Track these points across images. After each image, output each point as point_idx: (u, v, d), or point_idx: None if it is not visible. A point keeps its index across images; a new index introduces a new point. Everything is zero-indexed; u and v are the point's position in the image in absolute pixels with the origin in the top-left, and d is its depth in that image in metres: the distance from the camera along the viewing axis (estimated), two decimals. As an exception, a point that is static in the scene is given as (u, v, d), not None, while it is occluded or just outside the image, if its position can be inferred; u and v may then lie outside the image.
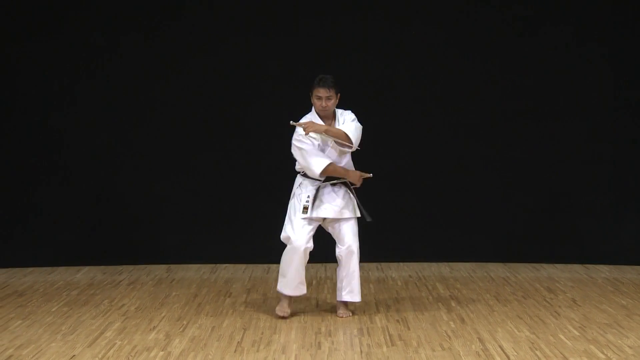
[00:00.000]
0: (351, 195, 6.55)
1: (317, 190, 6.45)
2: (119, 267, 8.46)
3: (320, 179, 6.42)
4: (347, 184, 6.54)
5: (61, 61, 8.53)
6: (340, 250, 6.54)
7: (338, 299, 6.60)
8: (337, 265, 6.61)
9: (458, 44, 8.58)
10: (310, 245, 6.43)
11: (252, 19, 8.56)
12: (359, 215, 6.57)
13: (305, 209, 6.40)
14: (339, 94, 6.50)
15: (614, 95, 8.58)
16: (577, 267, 8.43)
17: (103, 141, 8.61)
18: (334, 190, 6.51)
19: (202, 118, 8.63)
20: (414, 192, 8.68)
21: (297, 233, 6.39)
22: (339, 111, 6.58)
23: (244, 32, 8.57)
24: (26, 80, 8.54)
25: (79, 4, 8.51)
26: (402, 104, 8.66)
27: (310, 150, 6.38)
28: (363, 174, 6.51)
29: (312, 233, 6.45)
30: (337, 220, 6.52)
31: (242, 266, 8.47)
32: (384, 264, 8.57)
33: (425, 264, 8.57)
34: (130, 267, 8.49)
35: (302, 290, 6.53)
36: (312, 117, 6.49)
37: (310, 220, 6.42)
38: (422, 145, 8.67)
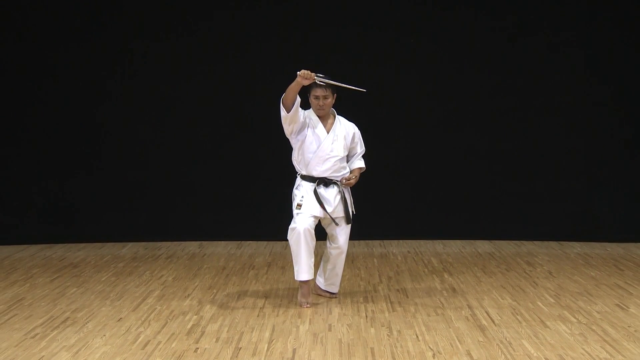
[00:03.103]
0: (345, 195, 5.95)
1: (315, 191, 5.86)
2: (158, 244, 8.49)
3: (314, 181, 5.86)
4: (338, 185, 5.93)
5: (104, 64, 8.52)
6: (331, 248, 6.02)
7: (318, 283, 6.17)
8: (324, 255, 6.13)
9: (452, 50, 8.55)
10: (312, 228, 5.77)
11: (270, 26, 8.56)
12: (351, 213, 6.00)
13: (299, 205, 5.84)
14: (335, 94, 5.88)
15: (586, 95, 8.53)
16: (552, 244, 8.42)
17: (144, 135, 8.61)
18: (327, 191, 5.89)
19: (228, 114, 8.60)
20: (413, 179, 8.66)
21: (298, 220, 5.79)
22: (340, 118, 6.00)
23: (267, 38, 8.53)
24: (73, 81, 8.53)
25: (119, 15, 8.49)
26: (403, 102, 8.62)
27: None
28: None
29: (312, 221, 5.81)
30: (330, 220, 5.91)
31: (264, 243, 8.48)
32: (386, 241, 8.58)
33: (422, 241, 8.56)
34: (168, 243, 8.51)
35: (311, 274, 5.85)
36: (309, 111, 5.92)
37: (310, 213, 5.83)
38: (420, 140, 8.65)
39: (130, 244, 8.46)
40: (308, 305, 5.86)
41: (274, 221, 8.53)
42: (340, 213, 5.93)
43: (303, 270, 5.82)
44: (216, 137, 8.63)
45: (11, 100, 8.54)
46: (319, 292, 6.18)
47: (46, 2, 8.46)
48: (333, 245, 6.02)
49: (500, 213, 8.61)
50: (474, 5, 8.51)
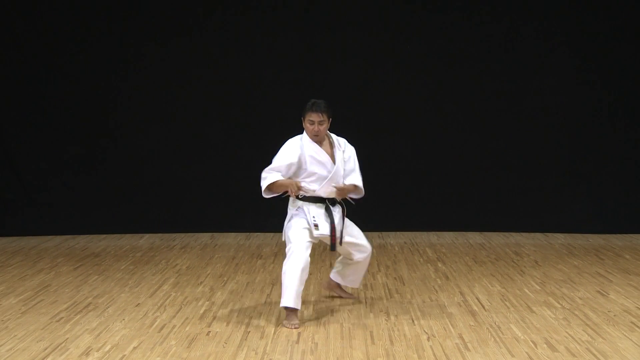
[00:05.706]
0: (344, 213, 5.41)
1: (328, 211, 5.28)
2: (173, 235, 8.47)
3: (321, 201, 5.30)
4: (341, 204, 5.38)
5: (119, 70, 8.50)
6: (355, 256, 5.48)
7: (335, 280, 5.67)
8: (344, 265, 5.58)
9: (448, 53, 8.51)
10: (308, 258, 5.18)
11: (273, 32, 8.52)
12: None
13: (316, 226, 5.20)
14: (330, 119, 5.30)
15: (571, 98, 8.50)
16: (538, 235, 8.40)
17: (158, 134, 8.59)
18: (334, 210, 5.32)
19: (237, 113, 8.57)
20: (410, 175, 8.63)
21: (296, 249, 5.14)
22: (334, 137, 5.41)
23: (271, 38, 8.49)
24: (92, 85, 8.52)
25: (133, 23, 8.47)
26: (402, 104, 8.59)
27: (275, 175, 5.29)
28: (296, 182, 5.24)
29: (309, 250, 5.21)
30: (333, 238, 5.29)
31: (271, 234, 8.44)
32: (384, 233, 8.54)
33: (417, 233, 8.54)
34: (182, 234, 8.49)
35: (298, 303, 5.12)
36: (304, 137, 5.33)
37: (308, 240, 5.22)
38: (417, 140, 8.63)
39: (147, 235, 8.45)
40: (296, 327, 5.09)
41: (280, 214, 8.51)
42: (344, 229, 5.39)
43: (291, 296, 5.10)
44: (225, 135, 8.60)
45: (38, 102, 8.53)
46: (339, 294, 5.75)
47: (61, 8, 8.45)
48: (356, 254, 5.46)
49: (490, 207, 8.60)
50: (468, 10, 8.48)
